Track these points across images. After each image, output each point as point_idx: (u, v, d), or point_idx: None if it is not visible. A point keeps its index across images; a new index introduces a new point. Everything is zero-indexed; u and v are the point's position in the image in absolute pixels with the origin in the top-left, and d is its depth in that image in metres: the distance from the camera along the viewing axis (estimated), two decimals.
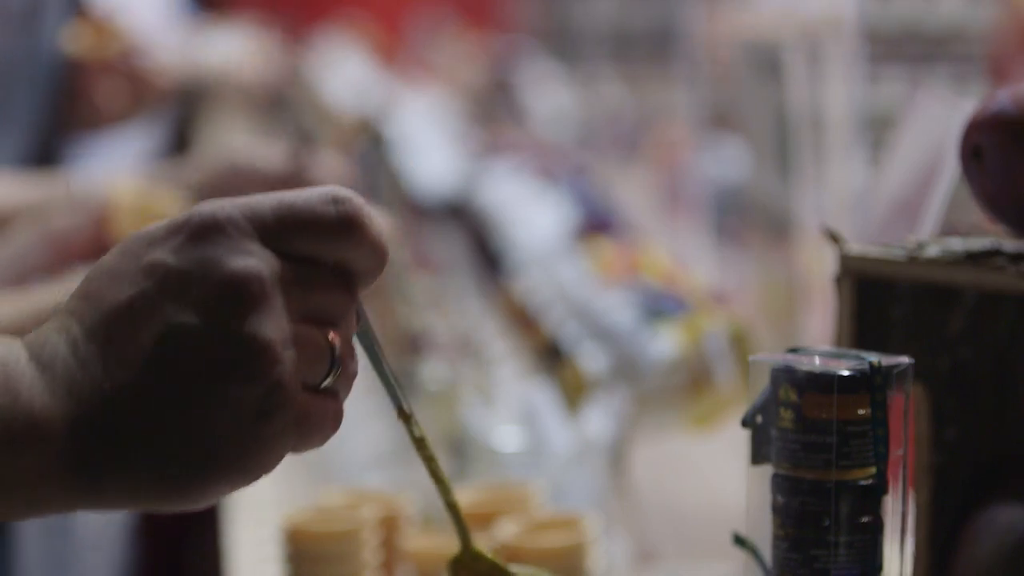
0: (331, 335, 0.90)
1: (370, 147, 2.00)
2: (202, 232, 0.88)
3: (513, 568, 1.07)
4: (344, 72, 4.73)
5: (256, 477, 0.89)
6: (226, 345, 0.87)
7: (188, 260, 0.87)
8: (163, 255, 0.87)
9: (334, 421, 0.91)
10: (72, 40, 1.95)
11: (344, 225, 0.90)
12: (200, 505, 0.91)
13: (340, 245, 0.91)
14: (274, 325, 0.88)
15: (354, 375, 0.93)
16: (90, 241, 1.78)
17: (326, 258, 0.91)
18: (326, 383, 0.90)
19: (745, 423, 1.03)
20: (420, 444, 1.00)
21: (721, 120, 2.78)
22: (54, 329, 0.89)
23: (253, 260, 0.88)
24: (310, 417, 0.90)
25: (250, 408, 0.87)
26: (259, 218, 0.89)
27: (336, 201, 0.90)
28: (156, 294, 0.87)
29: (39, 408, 0.87)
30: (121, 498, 0.89)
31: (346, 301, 0.92)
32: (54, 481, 0.88)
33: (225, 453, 0.88)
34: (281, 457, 0.90)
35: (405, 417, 0.99)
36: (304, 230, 0.90)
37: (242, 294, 0.87)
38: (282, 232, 0.89)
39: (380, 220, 0.92)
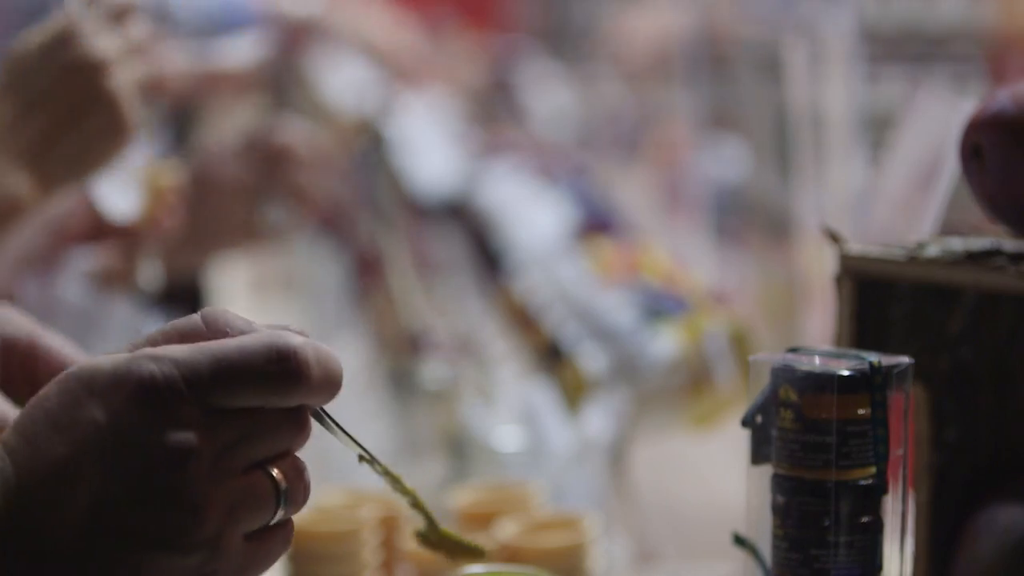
0: (276, 473, 0.89)
1: (370, 147, 2.00)
2: (141, 395, 0.85)
3: (513, 568, 1.07)
4: (344, 73, 4.72)
5: None
6: (160, 517, 0.86)
7: (125, 427, 0.86)
8: (100, 415, 0.86)
9: (284, 544, 0.91)
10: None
11: (288, 382, 0.88)
12: None
13: (284, 399, 0.88)
14: (212, 493, 0.86)
15: (306, 495, 0.91)
16: (87, 223, 1.78)
17: (271, 407, 0.89)
18: (276, 519, 0.89)
19: (745, 423, 1.02)
20: (389, 479, 0.99)
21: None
22: None
23: (190, 434, 0.86)
24: (258, 557, 0.89)
25: (192, 573, 0.87)
26: (198, 379, 0.86)
27: (280, 359, 0.87)
28: (89, 460, 0.86)
29: None
30: None
31: (294, 436, 0.90)
32: None
33: None
34: None
35: (367, 460, 0.97)
36: (245, 389, 0.87)
37: (177, 469, 0.85)
38: (222, 392, 0.87)
39: (329, 358, 0.89)
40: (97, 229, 1.75)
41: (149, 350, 0.87)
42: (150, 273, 1.75)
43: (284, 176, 1.99)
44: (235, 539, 0.88)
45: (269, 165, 2.01)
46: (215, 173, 2.00)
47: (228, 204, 1.98)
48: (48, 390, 0.88)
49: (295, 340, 0.88)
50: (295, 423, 0.90)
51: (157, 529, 0.85)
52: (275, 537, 0.90)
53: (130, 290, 1.74)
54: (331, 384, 0.89)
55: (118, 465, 0.85)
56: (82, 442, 0.86)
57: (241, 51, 3.79)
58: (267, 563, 0.90)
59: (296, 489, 0.90)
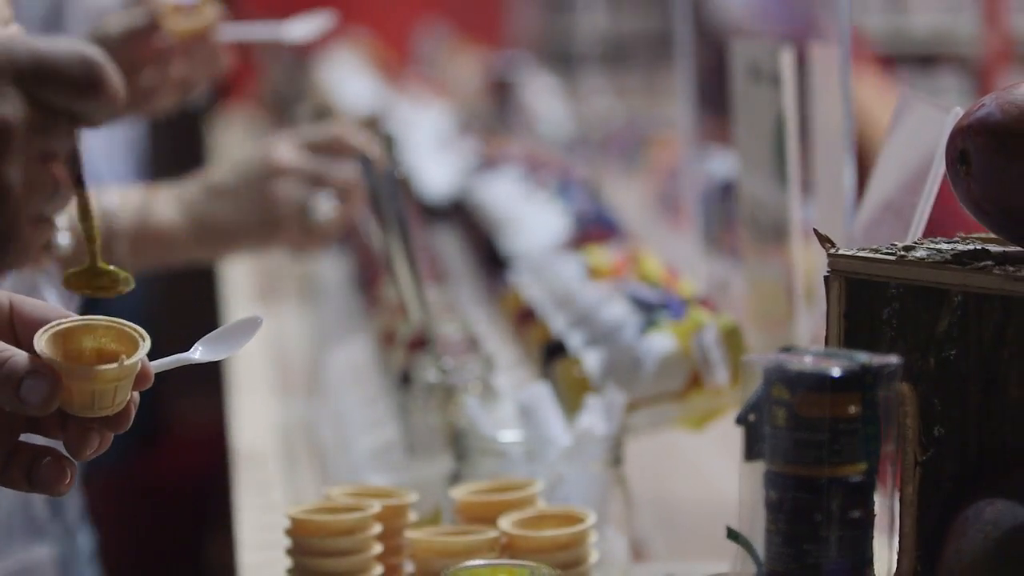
0: (57, 171, 1.00)
1: (378, 144, 1.99)
2: None
3: (511, 561, 1.06)
4: (350, 87, 4.73)
5: None
6: None
7: None
8: None
9: (45, 247, 1.05)
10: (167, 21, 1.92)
11: (90, 85, 0.98)
12: None
13: (81, 101, 0.99)
14: (16, 169, 0.97)
15: (67, 202, 1.03)
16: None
17: (64, 106, 0.99)
18: (50, 213, 1.01)
19: (739, 421, 1.02)
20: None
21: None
22: None
23: (8, 106, 0.96)
24: (29, 244, 1.01)
25: None
26: (16, 64, 0.97)
27: (85, 62, 0.98)
28: None
29: None
30: None
31: (72, 140, 1.01)
32: None
33: None
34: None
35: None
36: (54, 83, 0.98)
37: None
38: (34, 81, 0.97)
39: (117, 76, 1.00)
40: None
41: None
42: None
43: (338, 168, 1.97)
44: (25, 216, 0.99)
45: (326, 155, 1.98)
46: (279, 159, 1.97)
47: (291, 190, 1.95)
48: None
49: (99, 54, 0.99)
50: (74, 129, 1.01)
51: None
52: (43, 230, 1.04)
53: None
54: (115, 100, 1.00)
55: None
56: None
57: None
58: (32, 252, 1.03)
59: (64, 195, 1.01)
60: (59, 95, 0.98)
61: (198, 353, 1.11)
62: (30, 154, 0.98)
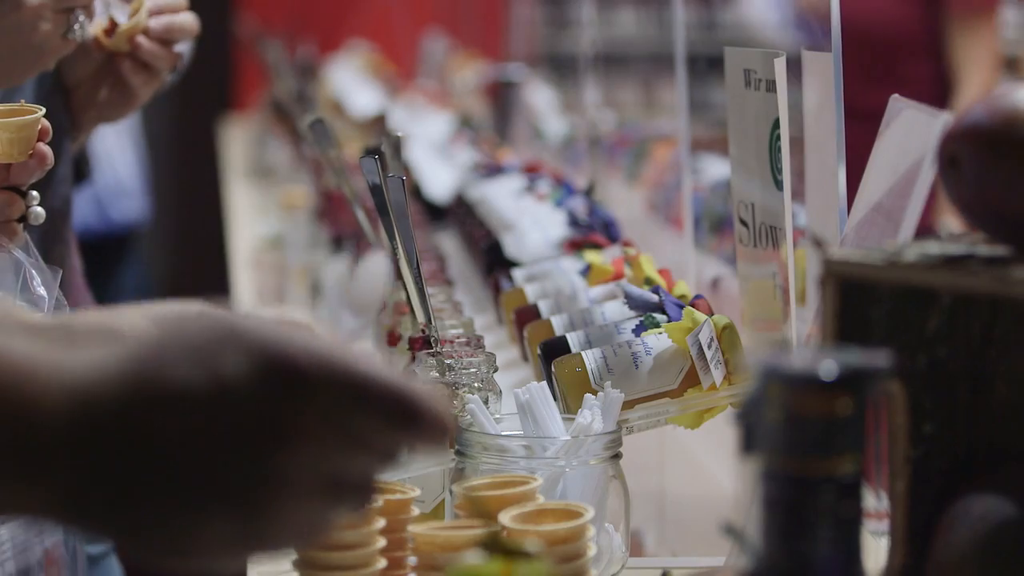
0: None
1: (384, 141, 1.98)
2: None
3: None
4: (355, 96, 4.73)
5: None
6: (242, 483, 0.87)
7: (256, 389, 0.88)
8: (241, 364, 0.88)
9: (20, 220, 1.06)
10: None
11: (407, 421, 0.91)
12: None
13: (392, 436, 0.91)
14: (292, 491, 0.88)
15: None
16: None
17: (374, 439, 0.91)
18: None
19: (734, 419, 1.02)
20: None
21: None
22: None
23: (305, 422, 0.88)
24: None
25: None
26: (333, 387, 0.89)
27: (406, 398, 0.90)
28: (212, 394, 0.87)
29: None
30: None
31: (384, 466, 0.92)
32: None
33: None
34: None
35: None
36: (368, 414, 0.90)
37: (281, 450, 0.87)
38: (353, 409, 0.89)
39: (446, 411, 0.92)
40: None
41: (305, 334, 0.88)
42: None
43: None
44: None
45: None
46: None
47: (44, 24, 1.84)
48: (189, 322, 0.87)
49: (423, 389, 0.90)
50: (388, 458, 0.91)
51: (230, 492, 0.85)
52: None
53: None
54: (442, 433, 0.91)
55: (229, 416, 0.85)
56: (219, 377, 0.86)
57: None
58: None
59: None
60: (369, 426, 0.89)
61: None
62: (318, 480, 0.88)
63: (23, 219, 1.62)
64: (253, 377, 0.85)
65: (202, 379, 0.85)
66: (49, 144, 1.61)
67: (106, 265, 4.38)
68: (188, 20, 1.95)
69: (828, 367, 0.98)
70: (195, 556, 0.85)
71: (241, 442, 0.85)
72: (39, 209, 1.63)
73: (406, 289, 1.80)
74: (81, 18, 1.79)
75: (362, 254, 1.98)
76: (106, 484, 0.84)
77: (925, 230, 1.37)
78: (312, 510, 0.88)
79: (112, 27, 1.91)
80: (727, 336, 1.75)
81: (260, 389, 0.85)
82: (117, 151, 4.54)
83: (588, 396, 1.62)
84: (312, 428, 0.86)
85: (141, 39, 1.91)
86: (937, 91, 4.07)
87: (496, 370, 1.75)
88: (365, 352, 0.91)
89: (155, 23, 1.92)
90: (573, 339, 1.83)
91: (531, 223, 2.39)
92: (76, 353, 0.85)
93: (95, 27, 1.90)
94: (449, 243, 2.83)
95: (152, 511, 0.84)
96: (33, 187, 1.63)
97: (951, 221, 3.35)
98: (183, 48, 1.98)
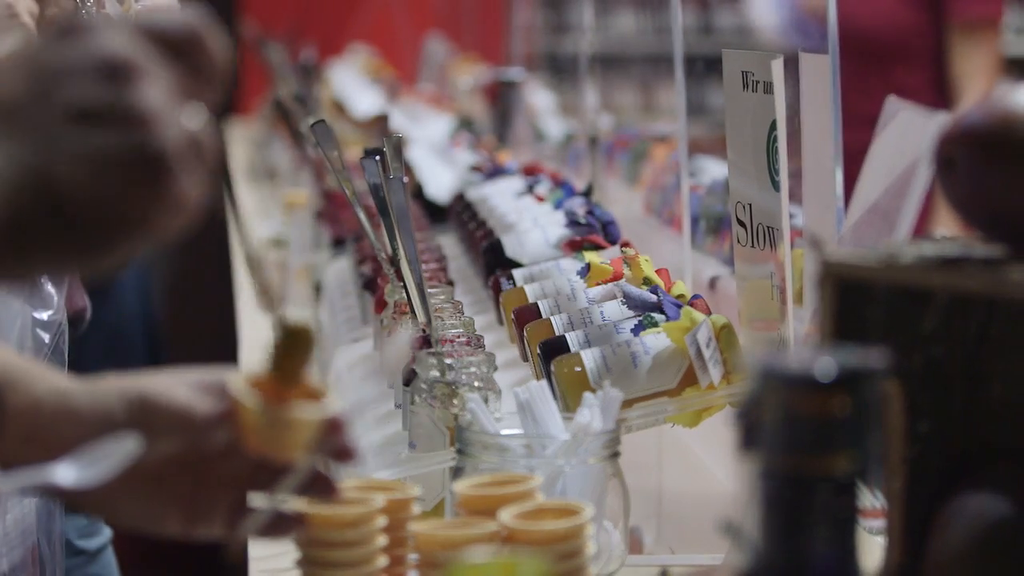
0: None
1: (386, 143, 1.98)
2: None
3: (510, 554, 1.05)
4: (356, 100, 4.73)
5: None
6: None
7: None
8: None
9: None
10: None
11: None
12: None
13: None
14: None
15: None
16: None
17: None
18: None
19: (733, 419, 1.02)
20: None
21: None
22: None
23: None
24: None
25: None
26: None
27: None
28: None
29: None
30: None
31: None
32: None
33: None
34: None
35: None
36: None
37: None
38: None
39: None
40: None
41: None
42: None
43: None
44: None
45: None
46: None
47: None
48: None
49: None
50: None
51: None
52: None
53: None
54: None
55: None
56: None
57: None
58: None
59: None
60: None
61: (60, 475, 1.12)
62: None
63: None
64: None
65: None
66: None
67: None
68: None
69: (825, 366, 0.98)
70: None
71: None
72: None
73: (407, 289, 1.80)
74: (89, 2, 1.80)
75: (390, 325, 1.99)
76: None
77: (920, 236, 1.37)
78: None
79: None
80: (725, 336, 1.75)
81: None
82: None
83: (587, 395, 1.62)
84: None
85: None
86: (934, 100, 4.05)
87: (496, 369, 1.75)
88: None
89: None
90: (572, 339, 1.82)
91: (531, 224, 2.39)
92: None
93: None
94: (449, 243, 2.83)
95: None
96: None
97: (946, 229, 3.35)
98: None
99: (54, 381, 1.21)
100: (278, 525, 1.26)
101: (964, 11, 4.14)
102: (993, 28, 4.18)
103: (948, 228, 3.19)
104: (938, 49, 4.15)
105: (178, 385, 1.22)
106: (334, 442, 1.21)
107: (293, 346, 1.17)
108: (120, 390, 1.21)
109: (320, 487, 1.25)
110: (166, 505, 1.23)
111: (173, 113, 0.97)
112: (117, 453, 1.14)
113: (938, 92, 4.12)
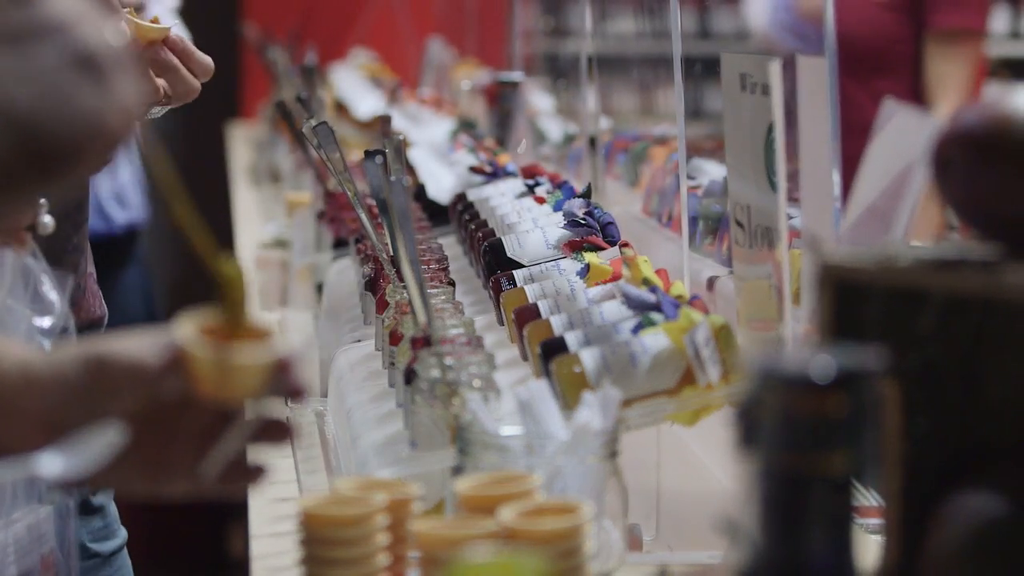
0: None
1: (387, 143, 1.98)
2: None
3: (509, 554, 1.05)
4: (357, 103, 4.73)
5: None
6: None
7: None
8: None
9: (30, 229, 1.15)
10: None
11: None
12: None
13: None
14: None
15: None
16: None
17: None
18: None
19: (731, 418, 1.01)
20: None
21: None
22: None
23: None
24: None
25: None
26: None
27: None
28: None
29: None
30: None
31: None
32: None
33: None
34: None
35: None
36: None
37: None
38: None
39: None
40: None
41: None
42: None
43: None
44: None
45: None
46: None
47: None
48: None
49: None
50: None
51: None
52: None
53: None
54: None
55: None
56: None
57: None
58: None
59: None
60: None
61: (45, 466, 1.13)
62: None
63: (32, 227, 1.62)
64: None
65: None
66: None
67: (110, 267, 4.38)
68: (206, 57, 2.00)
69: (823, 366, 0.98)
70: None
71: None
72: (48, 218, 1.64)
73: (407, 289, 1.79)
74: None
75: (392, 324, 2.00)
76: None
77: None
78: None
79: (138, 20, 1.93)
80: (723, 336, 1.75)
81: None
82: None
83: (587, 395, 1.62)
84: None
85: (162, 46, 1.93)
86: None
87: (496, 369, 1.74)
88: None
89: (177, 40, 1.95)
90: (572, 339, 1.82)
91: (531, 224, 2.39)
92: None
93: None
94: (450, 244, 2.82)
95: None
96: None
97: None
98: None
99: (15, 352, 1.22)
100: (236, 472, 1.25)
101: (942, 20, 4.12)
102: (972, 38, 4.15)
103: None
104: (918, 57, 4.14)
105: (130, 341, 1.23)
106: (284, 381, 1.22)
107: (231, 289, 1.19)
108: (76, 354, 1.22)
109: (274, 432, 1.25)
110: (132, 466, 1.23)
111: (90, 18, 0.99)
112: (101, 442, 1.15)
113: (918, 100, 4.11)
